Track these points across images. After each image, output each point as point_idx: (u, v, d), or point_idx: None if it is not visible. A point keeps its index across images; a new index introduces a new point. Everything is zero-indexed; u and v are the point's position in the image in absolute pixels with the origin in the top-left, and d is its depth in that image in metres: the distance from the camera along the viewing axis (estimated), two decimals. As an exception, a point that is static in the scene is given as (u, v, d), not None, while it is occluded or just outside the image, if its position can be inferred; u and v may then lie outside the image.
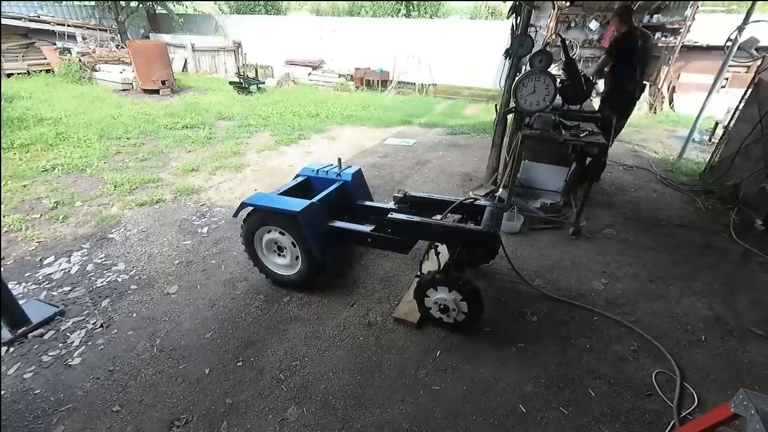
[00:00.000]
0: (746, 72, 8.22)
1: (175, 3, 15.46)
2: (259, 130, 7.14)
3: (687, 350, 2.48)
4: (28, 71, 10.74)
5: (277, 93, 10.75)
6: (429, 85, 11.97)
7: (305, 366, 2.29)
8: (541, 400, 2.12)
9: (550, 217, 3.97)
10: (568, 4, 9.39)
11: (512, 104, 3.92)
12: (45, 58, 10.96)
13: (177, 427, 1.94)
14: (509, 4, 4.00)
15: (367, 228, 2.74)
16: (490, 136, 4.67)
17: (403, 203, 2.96)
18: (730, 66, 5.49)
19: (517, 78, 3.63)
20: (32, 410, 2.01)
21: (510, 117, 4.27)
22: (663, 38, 8.86)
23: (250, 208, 2.72)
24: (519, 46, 3.77)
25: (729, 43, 5.21)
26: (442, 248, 2.77)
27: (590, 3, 9.36)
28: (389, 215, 2.58)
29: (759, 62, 4.94)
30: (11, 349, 2.37)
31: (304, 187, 3.20)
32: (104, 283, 2.97)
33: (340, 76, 12.66)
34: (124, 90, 9.74)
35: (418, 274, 2.63)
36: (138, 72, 9.52)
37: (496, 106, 4.44)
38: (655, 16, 8.90)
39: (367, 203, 3.23)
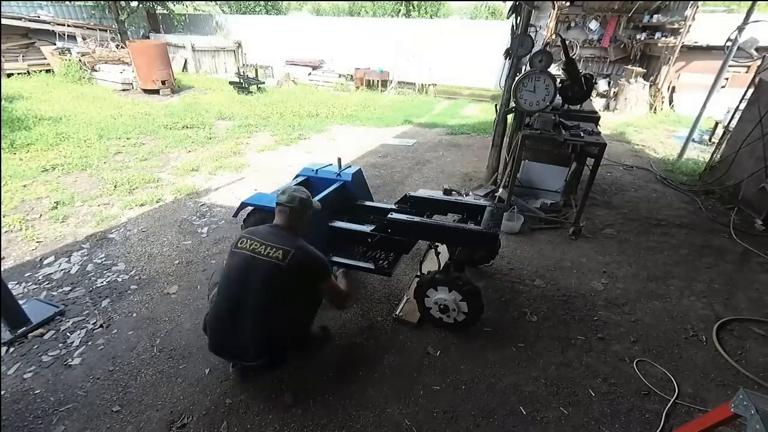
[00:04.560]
0: (746, 72, 8.22)
1: (175, 3, 15.46)
2: (259, 130, 7.15)
3: (687, 350, 2.48)
4: (28, 71, 10.72)
5: (277, 93, 10.75)
6: (429, 85, 11.98)
7: (305, 366, 2.29)
8: (541, 400, 2.12)
9: (550, 217, 3.97)
10: (568, 4, 9.40)
11: (512, 104, 3.92)
12: (45, 58, 10.94)
13: (177, 427, 1.94)
14: (509, 4, 4.00)
15: (367, 228, 2.74)
16: (490, 136, 4.67)
17: (403, 203, 2.97)
18: (730, 66, 5.49)
19: (517, 78, 3.63)
20: (32, 410, 2.00)
21: (510, 117, 4.27)
22: (663, 38, 8.87)
23: (250, 208, 2.71)
24: (519, 46, 3.78)
25: (729, 43, 5.21)
26: (442, 248, 2.78)
27: (590, 3, 9.37)
28: (389, 215, 2.58)
29: (759, 62, 4.94)
30: (11, 349, 2.37)
31: (304, 187, 3.19)
32: (104, 283, 2.97)
33: (340, 76, 12.65)
34: (124, 90, 9.74)
35: (418, 274, 2.64)
36: (138, 72, 9.52)
37: (496, 106, 4.44)
38: (655, 16, 8.92)
39: (367, 203, 3.23)
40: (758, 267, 3.37)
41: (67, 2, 12.81)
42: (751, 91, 4.66)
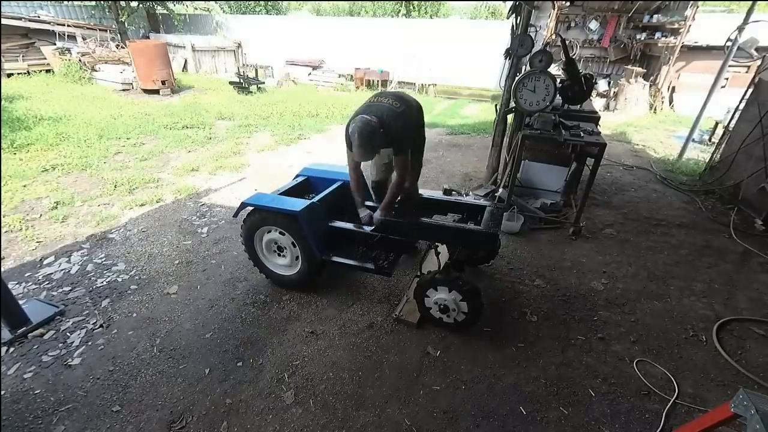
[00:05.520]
0: (746, 72, 8.22)
1: (175, 3, 15.45)
2: (259, 130, 7.14)
3: (687, 350, 2.48)
4: (28, 71, 10.72)
5: (277, 93, 10.74)
6: (429, 85, 11.97)
7: (305, 366, 2.29)
8: (541, 400, 2.12)
9: (550, 217, 3.97)
10: (568, 4, 9.39)
11: (512, 104, 3.92)
12: (45, 58, 10.94)
13: (177, 427, 1.94)
14: (509, 4, 4.00)
15: (367, 228, 2.74)
16: (490, 136, 4.67)
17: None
18: (730, 66, 5.49)
19: (517, 78, 3.63)
20: (32, 410, 2.01)
21: (510, 117, 4.27)
22: (663, 38, 8.87)
23: (250, 208, 2.72)
24: (519, 46, 3.77)
25: (729, 43, 5.21)
26: (442, 248, 2.77)
27: (590, 3, 9.36)
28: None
29: (759, 62, 4.94)
30: (11, 349, 2.37)
31: (304, 187, 3.20)
32: (104, 283, 2.97)
33: (340, 76, 12.65)
34: (124, 90, 9.73)
35: (418, 274, 2.64)
36: (138, 72, 9.51)
37: (496, 106, 4.44)
38: (655, 16, 8.92)
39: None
40: (758, 267, 3.37)
41: (67, 2, 12.81)
42: (750, 91, 4.66)
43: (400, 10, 18.77)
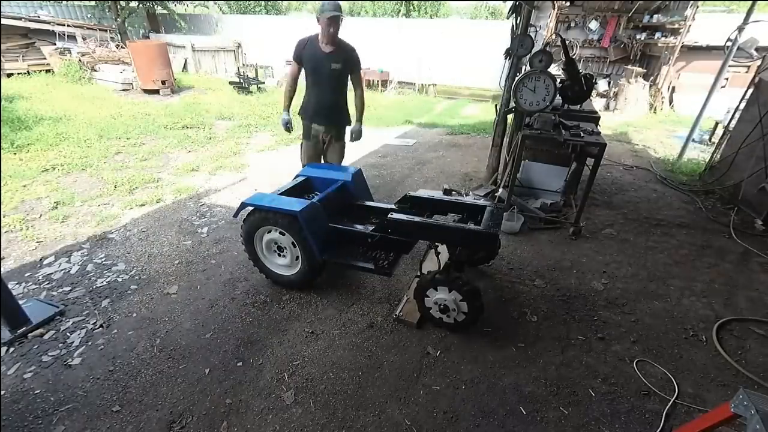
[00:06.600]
0: (746, 72, 8.22)
1: (175, 3, 15.45)
2: (259, 130, 7.15)
3: (687, 350, 2.48)
4: (28, 71, 10.71)
5: (277, 93, 10.73)
6: (429, 85, 11.98)
7: (305, 366, 2.29)
8: (541, 400, 2.12)
9: (550, 217, 3.97)
10: (568, 4, 9.40)
11: (512, 104, 3.92)
12: (45, 58, 10.94)
13: (177, 427, 1.94)
14: (509, 4, 4.00)
15: (367, 228, 2.74)
16: (490, 136, 4.67)
17: (403, 203, 2.97)
18: (730, 66, 5.49)
19: (517, 78, 3.63)
20: (32, 410, 2.00)
21: (510, 117, 4.27)
22: (663, 38, 8.87)
23: (250, 208, 2.72)
24: (519, 46, 3.78)
25: (729, 43, 5.21)
26: (442, 248, 2.77)
27: (590, 3, 9.37)
28: (389, 215, 2.58)
29: (759, 62, 4.94)
30: (11, 349, 2.37)
31: (304, 187, 3.20)
32: (104, 283, 2.97)
33: (340, 76, 12.65)
34: (124, 90, 9.73)
35: (418, 274, 2.64)
36: (138, 72, 9.51)
37: (496, 106, 4.44)
38: (655, 16, 8.92)
39: (368, 203, 3.23)
40: (758, 267, 3.37)
41: (67, 2, 12.81)
42: (750, 91, 4.66)
43: (400, 10, 18.78)
